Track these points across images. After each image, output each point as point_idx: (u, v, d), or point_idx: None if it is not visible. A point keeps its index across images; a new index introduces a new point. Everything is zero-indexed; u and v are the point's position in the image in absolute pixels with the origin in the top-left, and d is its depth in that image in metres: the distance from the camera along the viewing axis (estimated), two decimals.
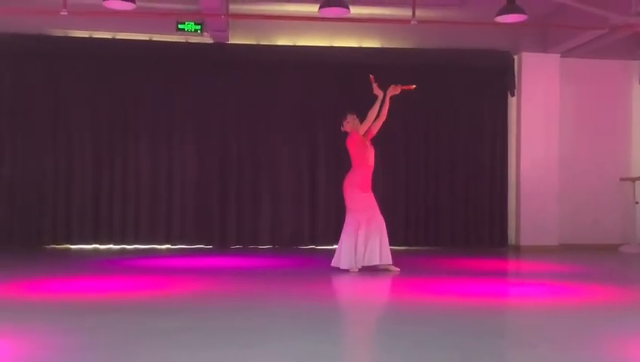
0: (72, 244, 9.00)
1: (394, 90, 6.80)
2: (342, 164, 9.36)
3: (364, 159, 6.70)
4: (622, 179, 9.78)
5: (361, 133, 6.72)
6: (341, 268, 6.60)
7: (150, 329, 3.88)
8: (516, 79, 9.74)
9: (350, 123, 6.83)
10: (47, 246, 8.91)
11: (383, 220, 6.66)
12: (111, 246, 9.05)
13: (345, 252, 6.60)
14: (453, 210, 9.58)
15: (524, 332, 4.15)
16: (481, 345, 3.63)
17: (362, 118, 6.80)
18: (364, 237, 6.59)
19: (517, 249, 9.52)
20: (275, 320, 4.24)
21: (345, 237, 6.64)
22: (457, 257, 8.30)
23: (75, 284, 5.77)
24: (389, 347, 3.66)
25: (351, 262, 6.56)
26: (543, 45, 9.61)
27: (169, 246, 9.16)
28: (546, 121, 9.66)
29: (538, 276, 6.87)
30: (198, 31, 8.73)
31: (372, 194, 6.77)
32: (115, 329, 3.90)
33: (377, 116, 6.76)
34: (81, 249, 8.88)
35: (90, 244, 9.02)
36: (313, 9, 7.53)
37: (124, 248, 8.98)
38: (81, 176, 9.05)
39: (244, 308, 4.64)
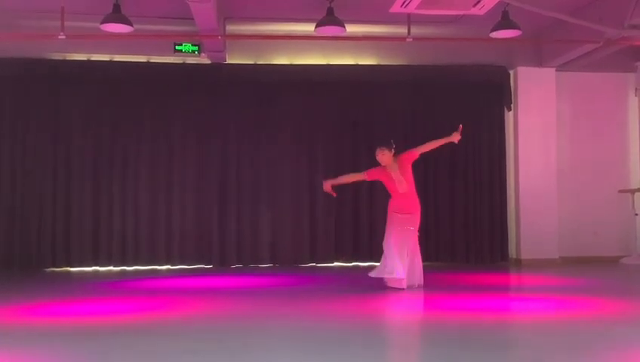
0: (71, 267, 8.97)
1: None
2: None
3: (392, 190, 6.77)
4: (621, 191, 9.79)
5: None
6: (390, 277, 6.52)
7: (152, 352, 3.85)
8: (512, 94, 9.79)
9: (379, 156, 6.76)
10: (47, 270, 8.88)
11: (416, 243, 6.70)
12: (111, 268, 9.02)
13: (389, 261, 6.55)
14: (453, 225, 9.58)
15: (527, 347, 4.14)
16: (483, 360, 3.62)
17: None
18: (402, 258, 6.61)
19: (518, 262, 9.51)
20: (279, 340, 4.22)
21: (385, 249, 6.65)
22: (459, 272, 8.29)
23: (75, 307, 5.74)
24: None
25: (400, 270, 6.49)
26: (539, 60, 9.67)
27: (169, 266, 9.13)
28: (544, 134, 9.69)
29: (540, 290, 6.86)
30: (196, 52, 8.79)
31: (416, 215, 6.74)
32: (117, 352, 3.87)
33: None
34: (81, 271, 8.85)
35: (90, 267, 9.00)
36: (310, 28, 7.61)
37: (124, 270, 8.96)
38: (79, 198, 9.04)
39: (248, 329, 4.61)
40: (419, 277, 6.68)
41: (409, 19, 7.69)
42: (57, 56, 9.02)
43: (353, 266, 9.27)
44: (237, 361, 3.62)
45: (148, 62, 9.18)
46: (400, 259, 6.50)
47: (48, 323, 4.93)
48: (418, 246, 6.76)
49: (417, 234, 6.77)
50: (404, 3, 6.89)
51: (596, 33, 7.99)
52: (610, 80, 10.07)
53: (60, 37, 7.27)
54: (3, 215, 8.88)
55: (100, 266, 9.02)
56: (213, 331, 4.52)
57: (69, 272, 8.81)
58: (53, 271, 8.88)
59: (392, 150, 6.74)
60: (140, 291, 6.86)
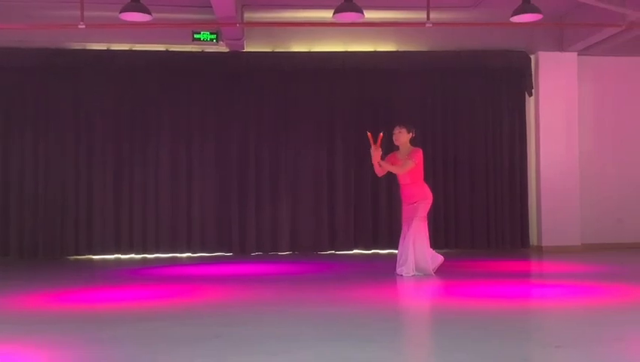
0: (94, 255, 9.08)
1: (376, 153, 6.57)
2: (360, 170, 9.41)
3: (399, 177, 6.82)
4: None
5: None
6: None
7: (175, 338, 3.89)
8: (533, 79, 9.67)
9: (395, 135, 6.77)
10: (70, 258, 9.00)
11: (412, 233, 6.56)
12: (133, 255, 9.12)
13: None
14: (473, 212, 9.52)
15: (550, 333, 4.12)
16: (506, 346, 3.61)
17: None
18: (401, 246, 6.68)
19: (539, 250, 9.44)
20: (301, 326, 4.24)
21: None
22: (479, 259, 8.25)
23: (98, 294, 5.82)
24: (416, 351, 3.65)
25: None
26: (560, 44, 9.54)
27: (190, 254, 9.20)
28: (565, 120, 9.58)
29: (562, 277, 6.81)
30: (214, 40, 8.79)
31: (414, 205, 6.62)
32: (141, 338, 3.92)
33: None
34: (103, 259, 8.95)
35: (112, 254, 9.10)
36: (328, 14, 7.56)
37: (146, 257, 9.05)
38: (101, 187, 9.14)
39: (270, 315, 4.64)
40: (407, 267, 6.54)
41: (428, 4, 7.60)
42: (77, 45, 9.08)
43: (373, 253, 9.27)
44: (261, 347, 3.64)
45: (167, 51, 9.21)
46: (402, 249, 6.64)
47: (72, 310, 5.00)
48: (420, 234, 6.56)
49: (423, 221, 6.64)
50: None
51: (619, 16, 7.86)
52: (633, 64, 9.90)
53: (79, 26, 7.29)
54: (27, 204, 9.00)
55: (122, 254, 9.12)
56: (237, 317, 4.55)
57: (91, 260, 8.92)
58: (77, 258, 8.99)
59: (411, 133, 6.73)
60: (161, 278, 6.93)
